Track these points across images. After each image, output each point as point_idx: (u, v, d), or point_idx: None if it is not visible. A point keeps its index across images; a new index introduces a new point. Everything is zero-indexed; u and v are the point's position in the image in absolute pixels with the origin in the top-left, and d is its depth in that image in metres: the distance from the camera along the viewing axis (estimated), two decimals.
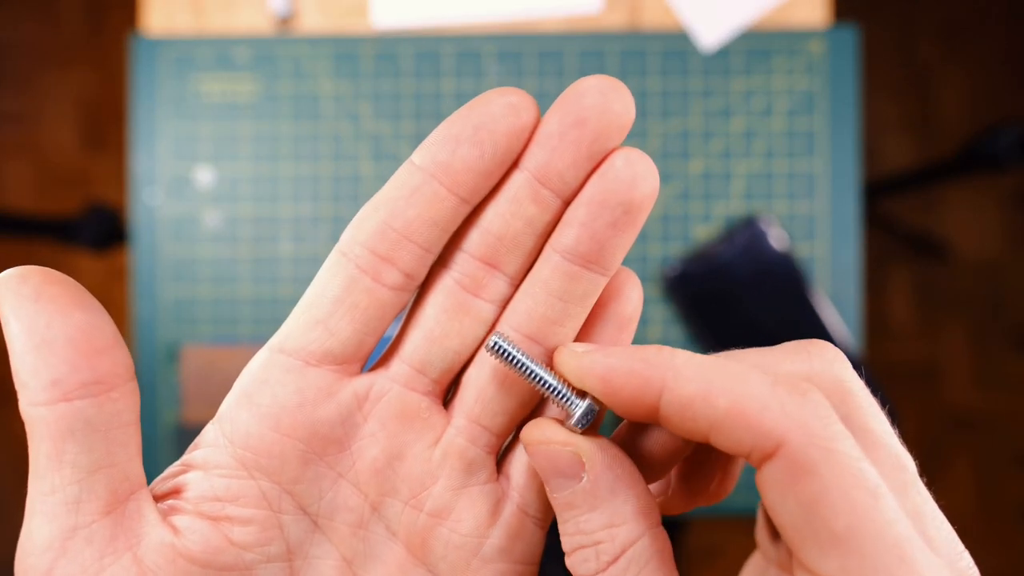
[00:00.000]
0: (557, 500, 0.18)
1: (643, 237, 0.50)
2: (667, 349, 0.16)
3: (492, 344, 0.17)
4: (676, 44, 0.50)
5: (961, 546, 0.16)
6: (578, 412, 0.18)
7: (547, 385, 0.18)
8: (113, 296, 1.37)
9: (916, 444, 1.31)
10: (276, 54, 0.51)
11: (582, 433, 0.18)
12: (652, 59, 0.50)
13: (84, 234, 0.78)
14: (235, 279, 0.51)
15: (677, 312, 0.49)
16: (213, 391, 0.44)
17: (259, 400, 0.18)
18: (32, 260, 1.37)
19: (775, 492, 0.15)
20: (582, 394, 0.18)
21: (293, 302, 0.50)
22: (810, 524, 0.15)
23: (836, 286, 0.49)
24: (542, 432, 0.18)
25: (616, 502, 0.17)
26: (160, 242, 0.51)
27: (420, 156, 0.17)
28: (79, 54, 1.37)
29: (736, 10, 0.50)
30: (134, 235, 0.51)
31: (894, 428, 0.17)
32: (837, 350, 0.18)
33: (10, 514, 1.33)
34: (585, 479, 0.17)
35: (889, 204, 1.30)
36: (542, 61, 0.50)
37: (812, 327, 0.48)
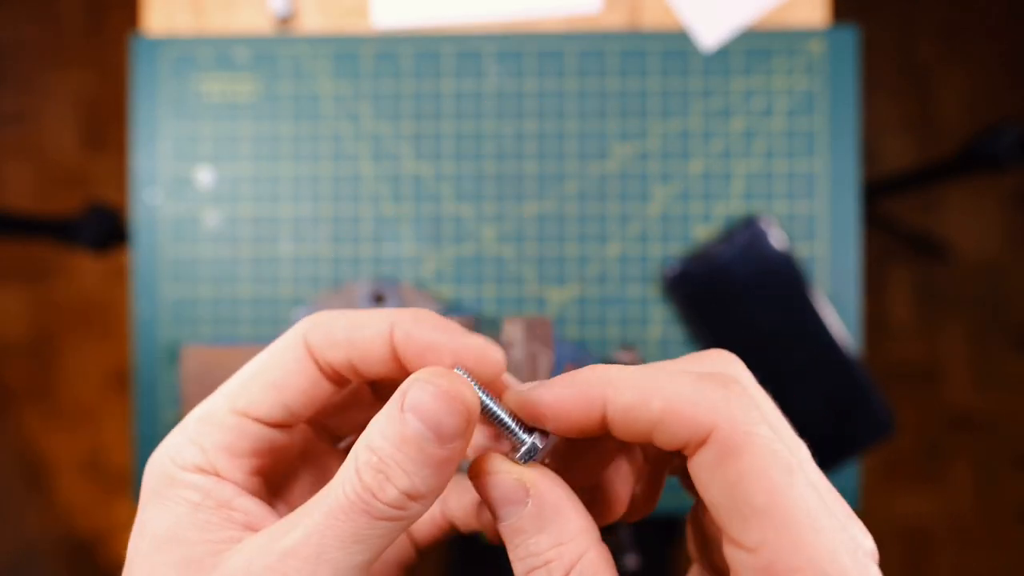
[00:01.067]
0: (506, 528, 0.19)
1: (643, 237, 0.50)
2: (601, 367, 0.19)
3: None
4: (676, 44, 0.50)
5: (854, 516, 0.18)
6: (524, 448, 0.20)
7: (501, 421, 0.20)
8: (113, 296, 1.37)
9: (916, 444, 1.31)
10: (276, 54, 0.51)
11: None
12: (652, 59, 0.50)
13: (84, 234, 0.78)
14: (235, 279, 0.51)
15: (677, 312, 0.49)
16: (213, 391, 0.44)
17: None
18: (33, 260, 1.37)
19: (706, 474, 0.17)
20: (529, 431, 0.20)
21: (293, 302, 0.50)
22: (734, 501, 0.17)
23: (836, 286, 0.49)
24: (490, 465, 0.20)
25: (560, 522, 0.19)
26: (160, 242, 0.51)
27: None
28: (79, 54, 1.37)
29: (736, 10, 0.50)
30: (134, 235, 0.51)
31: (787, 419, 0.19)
32: (731, 354, 0.20)
33: (12, 514, 1.33)
34: (530, 503, 0.19)
35: (889, 204, 1.30)
36: (542, 61, 0.50)
37: (812, 327, 0.48)
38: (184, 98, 0.51)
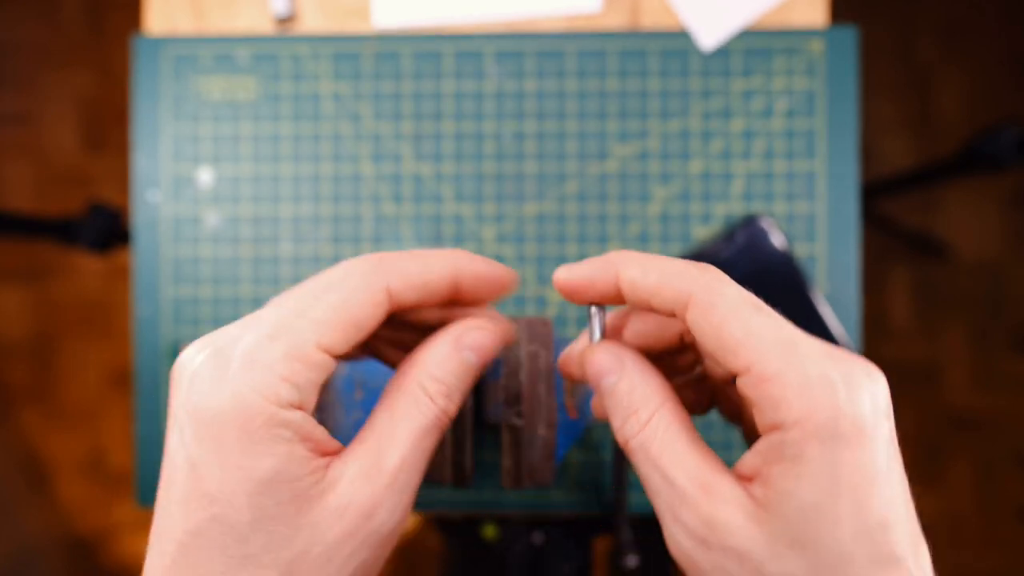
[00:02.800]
0: (606, 390, 0.24)
1: (643, 237, 0.50)
2: (618, 252, 0.25)
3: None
4: (676, 44, 0.50)
5: (845, 354, 0.22)
6: (597, 332, 0.26)
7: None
8: (114, 296, 1.37)
9: (916, 444, 1.31)
10: (276, 55, 0.51)
11: None
12: (652, 59, 0.50)
13: (84, 235, 0.78)
14: (236, 279, 0.51)
15: None
16: None
17: None
18: (33, 260, 1.37)
19: (697, 329, 0.23)
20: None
21: None
22: (720, 340, 0.22)
23: (836, 286, 0.49)
24: (588, 352, 0.25)
25: (643, 380, 0.24)
26: (161, 242, 0.51)
27: None
28: (80, 55, 1.37)
29: (736, 10, 0.50)
30: (135, 235, 0.51)
31: None
32: (718, 270, 0.25)
33: (12, 514, 1.33)
34: (623, 371, 0.24)
35: (889, 204, 1.30)
36: (542, 61, 0.51)
37: (812, 327, 0.48)
38: (184, 98, 0.51)
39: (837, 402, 0.20)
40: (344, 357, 0.25)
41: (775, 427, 0.20)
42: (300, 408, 0.21)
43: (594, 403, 0.28)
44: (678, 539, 0.22)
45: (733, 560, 0.21)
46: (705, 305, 0.22)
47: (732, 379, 0.26)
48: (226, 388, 0.20)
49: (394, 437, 0.23)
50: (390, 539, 0.23)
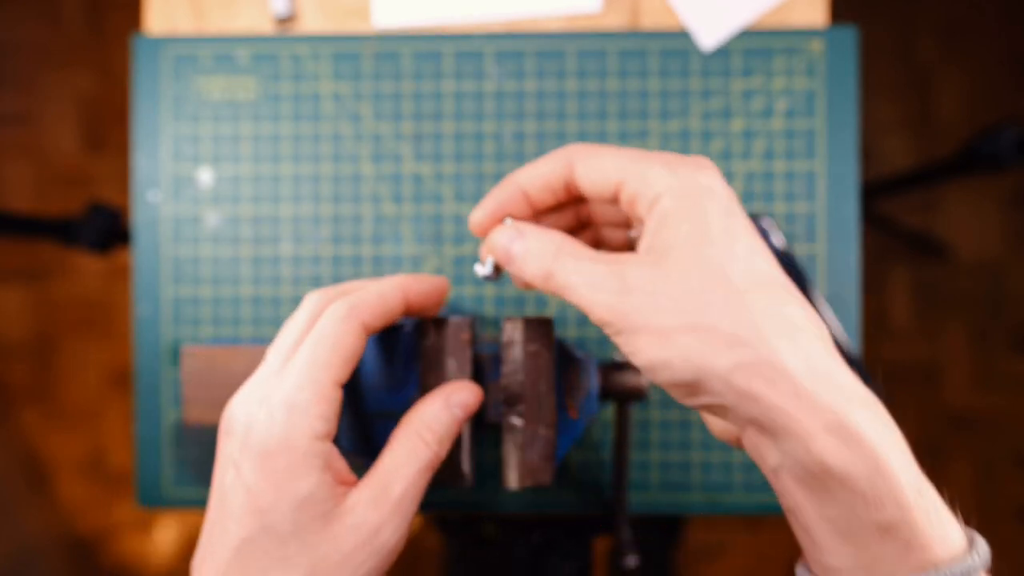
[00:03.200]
0: (517, 254, 0.30)
1: None
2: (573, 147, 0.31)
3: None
4: (676, 44, 0.50)
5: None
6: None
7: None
8: (115, 296, 1.37)
9: (916, 444, 1.31)
10: (276, 55, 0.51)
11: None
12: (652, 59, 0.50)
13: (84, 235, 0.78)
14: (236, 279, 0.51)
15: None
16: (213, 391, 0.44)
17: None
18: (34, 260, 1.37)
19: (587, 178, 0.30)
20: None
21: (294, 302, 0.51)
22: (604, 178, 0.29)
23: (836, 286, 0.49)
24: (490, 235, 0.31)
25: (540, 232, 0.30)
26: (161, 242, 0.51)
27: None
28: (80, 55, 1.37)
29: (736, 10, 0.50)
30: (135, 235, 0.51)
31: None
32: (709, 163, 0.29)
33: (12, 514, 1.33)
34: (514, 232, 0.30)
35: (889, 204, 1.30)
36: (542, 61, 0.51)
37: None
38: (184, 98, 0.51)
39: (696, 175, 0.27)
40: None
41: (654, 198, 0.27)
42: (328, 436, 0.28)
43: (513, 275, 0.32)
44: (607, 303, 0.27)
45: (649, 294, 0.26)
46: (586, 155, 0.30)
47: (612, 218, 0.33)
48: (276, 430, 0.27)
49: (398, 473, 0.30)
50: (393, 553, 0.29)
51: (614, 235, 0.34)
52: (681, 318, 0.26)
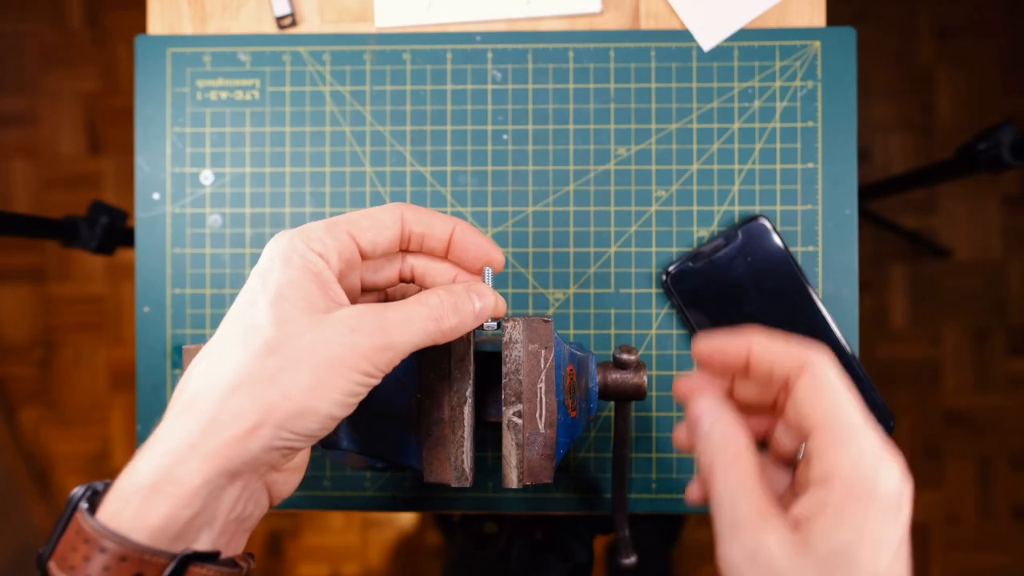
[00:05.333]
0: (705, 430, 0.31)
1: (643, 237, 0.50)
2: (749, 328, 0.31)
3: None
4: (676, 44, 0.50)
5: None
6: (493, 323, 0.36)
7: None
8: (116, 296, 1.37)
9: (915, 444, 1.31)
10: (278, 55, 0.51)
11: None
12: (652, 59, 0.50)
13: (86, 235, 0.78)
14: (238, 279, 0.51)
15: (676, 311, 0.50)
16: None
17: None
18: (37, 260, 1.37)
19: (799, 392, 0.29)
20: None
21: None
22: (812, 405, 0.29)
23: (835, 286, 0.50)
24: (695, 395, 0.32)
25: (734, 429, 0.31)
26: (164, 243, 0.51)
27: None
28: (82, 56, 1.38)
29: (736, 10, 0.50)
30: (138, 236, 0.51)
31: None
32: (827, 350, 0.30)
33: (15, 514, 1.34)
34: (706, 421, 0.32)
35: (888, 204, 1.30)
36: (542, 61, 0.51)
37: (811, 327, 0.48)
38: (187, 99, 0.51)
39: (877, 480, 0.27)
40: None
41: (823, 480, 0.28)
42: (323, 256, 0.31)
43: (678, 435, 0.34)
44: (730, 554, 0.28)
45: (764, 571, 0.27)
46: (813, 376, 0.29)
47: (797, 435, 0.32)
48: (288, 242, 0.31)
49: (402, 303, 0.32)
50: (365, 350, 0.30)
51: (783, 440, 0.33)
52: None
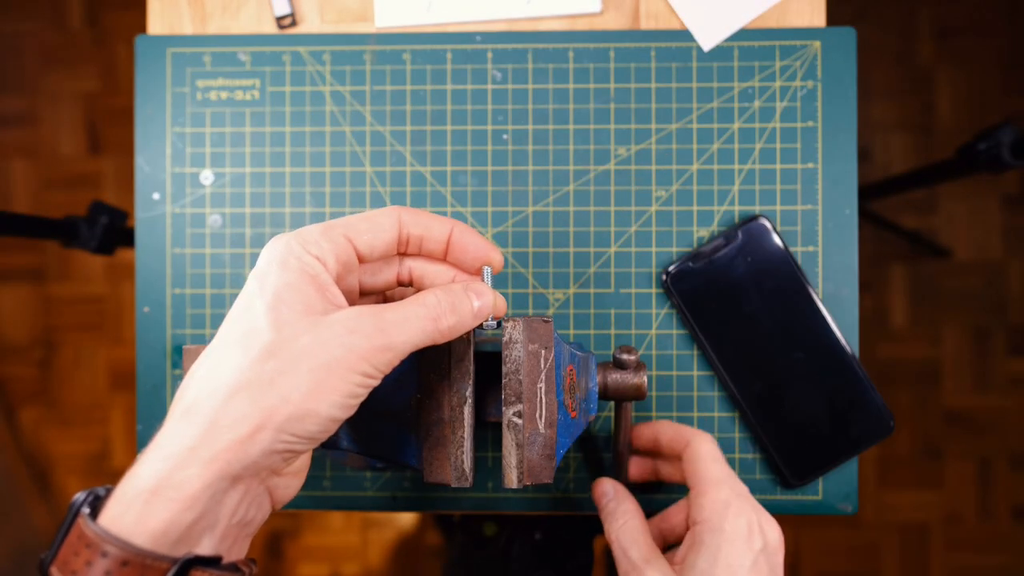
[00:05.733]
0: (605, 506, 0.43)
1: (643, 237, 0.50)
2: (658, 423, 0.45)
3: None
4: (676, 44, 0.50)
5: (760, 509, 0.39)
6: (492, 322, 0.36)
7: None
8: (116, 296, 1.37)
9: (914, 444, 1.31)
10: (278, 55, 0.51)
11: None
12: (652, 59, 0.50)
13: (86, 235, 0.78)
14: (237, 279, 0.51)
15: (676, 311, 0.50)
16: None
17: None
18: (37, 260, 1.37)
19: (686, 459, 0.41)
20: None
21: None
22: (692, 469, 0.40)
23: (835, 285, 0.50)
24: (597, 483, 0.44)
25: (626, 504, 0.42)
26: (164, 243, 0.51)
27: None
28: (82, 56, 1.38)
29: (736, 10, 0.50)
30: (138, 236, 0.51)
31: None
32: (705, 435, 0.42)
33: (15, 514, 1.33)
34: (611, 496, 0.44)
35: (888, 204, 1.30)
36: (542, 61, 0.51)
37: (811, 327, 0.48)
38: (187, 99, 0.51)
39: (726, 518, 0.37)
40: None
41: (693, 523, 0.38)
42: (319, 259, 0.31)
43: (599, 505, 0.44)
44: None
45: None
46: (691, 449, 0.41)
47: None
48: (285, 246, 0.31)
49: (400, 305, 0.32)
50: (362, 352, 0.30)
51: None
52: None
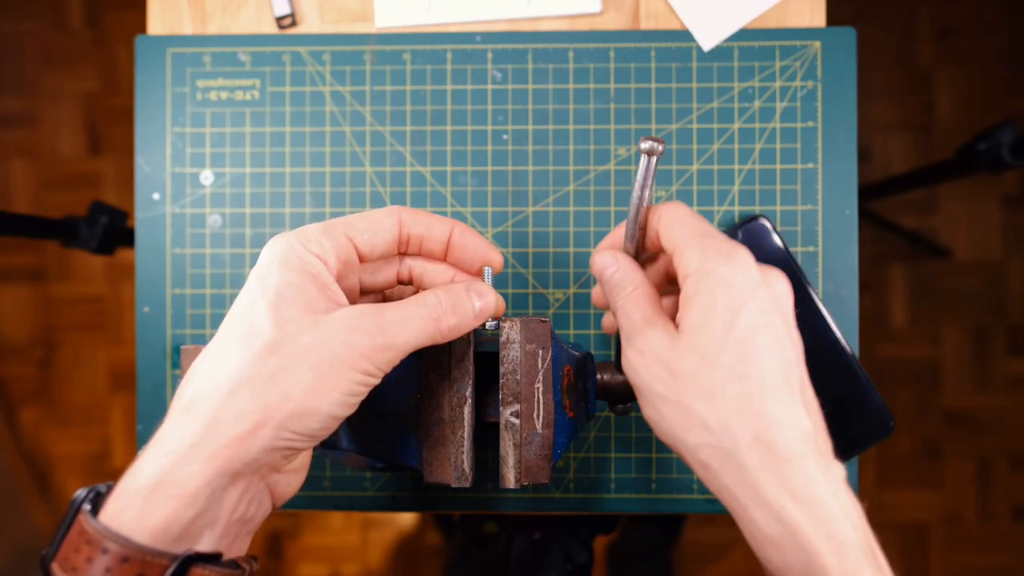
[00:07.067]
0: (607, 277, 0.37)
1: None
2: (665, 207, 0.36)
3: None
4: (676, 44, 0.50)
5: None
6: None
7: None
8: (116, 296, 1.37)
9: (914, 443, 1.31)
10: (278, 55, 0.51)
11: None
12: (652, 59, 0.50)
13: (86, 235, 0.78)
14: (237, 279, 0.51)
15: None
16: None
17: None
18: (37, 260, 1.37)
19: (663, 229, 0.35)
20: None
21: None
22: (669, 234, 0.35)
23: (835, 285, 0.50)
24: (594, 254, 0.37)
25: (630, 271, 0.36)
26: (164, 243, 0.51)
27: None
28: (82, 56, 1.38)
29: (736, 10, 0.50)
30: (138, 236, 0.51)
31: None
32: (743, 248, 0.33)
33: (15, 514, 1.34)
34: (617, 264, 0.37)
35: (888, 204, 1.30)
36: (542, 61, 0.51)
37: (811, 326, 0.48)
38: (187, 99, 0.51)
39: (719, 261, 0.32)
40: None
41: (682, 281, 0.33)
42: (320, 258, 0.31)
43: (595, 291, 0.41)
44: (629, 357, 0.34)
45: (656, 362, 0.32)
46: (666, 214, 0.35)
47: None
48: (286, 244, 0.31)
49: (401, 304, 0.32)
50: (362, 349, 0.30)
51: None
52: (672, 392, 0.32)
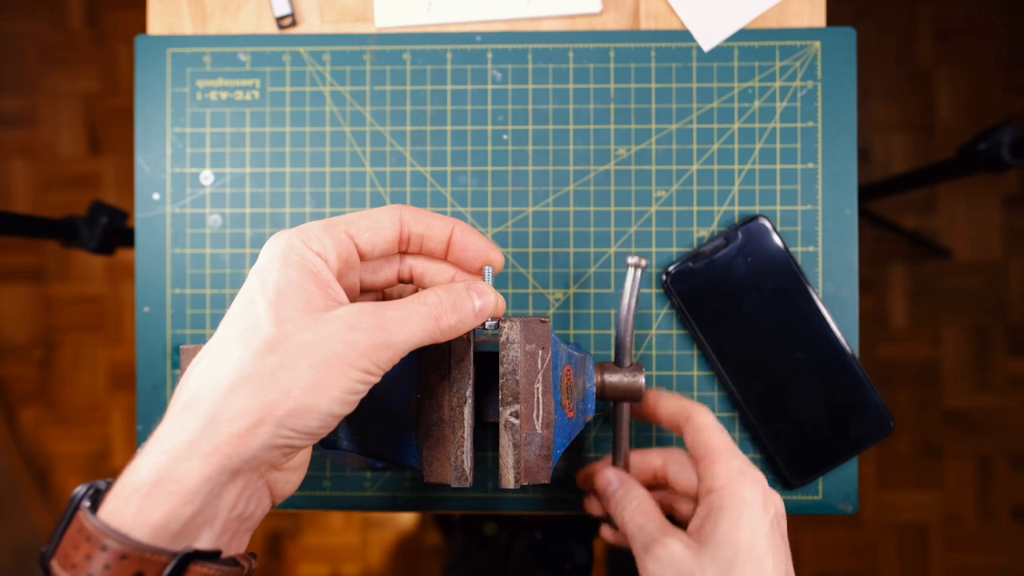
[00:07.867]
0: (611, 494, 0.43)
1: (643, 237, 0.50)
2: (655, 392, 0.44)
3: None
4: (676, 44, 0.50)
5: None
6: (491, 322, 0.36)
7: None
8: (116, 296, 1.37)
9: (914, 444, 1.31)
10: (278, 55, 0.51)
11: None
12: (652, 59, 0.50)
13: (86, 235, 0.78)
14: (237, 279, 0.51)
15: (676, 311, 0.50)
16: None
17: None
18: (37, 260, 1.37)
19: (689, 433, 0.41)
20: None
21: None
22: (698, 441, 0.40)
23: (835, 285, 0.50)
24: (599, 469, 0.44)
25: (632, 486, 0.42)
26: (164, 243, 0.51)
27: None
28: (83, 55, 1.38)
29: (736, 10, 0.50)
30: (138, 236, 0.51)
31: None
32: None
33: (15, 514, 1.34)
34: (619, 484, 0.43)
35: (888, 204, 1.30)
36: (542, 61, 0.51)
37: (811, 327, 0.48)
38: (187, 99, 0.51)
39: (744, 483, 0.37)
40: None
41: (707, 493, 0.38)
42: (321, 255, 0.31)
43: (590, 505, 0.46)
44: (647, 564, 0.37)
45: (675, 571, 0.36)
46: (694, 422, 0.41)
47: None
48: (287, 242, 0.32)
49: (402, 303, 0.32)
50: (362, 347, 0.31)
51: (682, 507, 0.44)
52: None
